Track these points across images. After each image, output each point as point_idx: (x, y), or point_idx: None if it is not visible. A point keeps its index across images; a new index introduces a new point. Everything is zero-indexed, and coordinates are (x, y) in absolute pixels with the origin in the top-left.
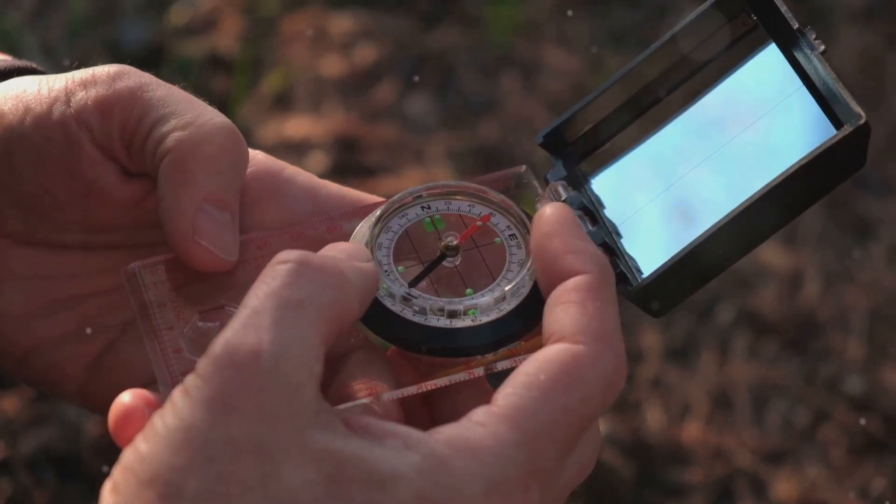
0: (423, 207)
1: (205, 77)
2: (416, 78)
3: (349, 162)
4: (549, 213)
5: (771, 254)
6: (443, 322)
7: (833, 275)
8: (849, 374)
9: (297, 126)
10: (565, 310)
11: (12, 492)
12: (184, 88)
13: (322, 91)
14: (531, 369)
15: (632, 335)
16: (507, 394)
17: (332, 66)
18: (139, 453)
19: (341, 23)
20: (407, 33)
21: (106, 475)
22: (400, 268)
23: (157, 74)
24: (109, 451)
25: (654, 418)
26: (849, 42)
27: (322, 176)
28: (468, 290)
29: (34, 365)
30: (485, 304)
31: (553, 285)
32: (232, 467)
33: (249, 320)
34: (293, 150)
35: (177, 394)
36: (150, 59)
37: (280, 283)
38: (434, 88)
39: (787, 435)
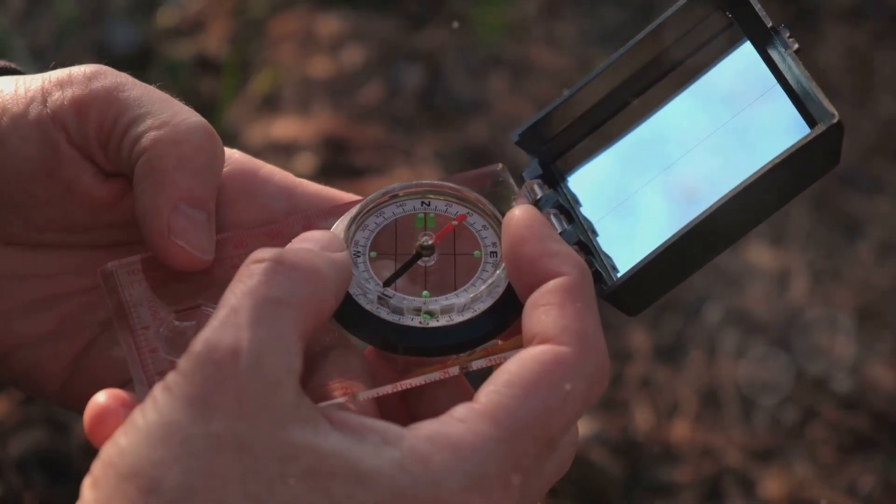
0: (399, 206)
1: (193, 79)
2: (404, 78)
3: (337, 163)
4: (518, 216)
5: (758, 252)
6: (418, 321)
7: (821, 273)
8: (837, 372)
9: (286, 127)
10: (546, 312)
11: (2, 494)
12: (169, 91)
13: (310, 92)
14: (513, 368)
15: (620, 335)
16: (488, 391)
17: (320, 67)
18: (119, 447)
19: (328, 24)
20: (394, 34)
21: None
22: (373, 253)
23: (146, 76)
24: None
25: (642, 417)
26: (836, 40)
27: (310, 177)
28: (424, 293)
29: (14, 364)
30: (461, 304)
31: (531, 288)
32: (212, 462)
33: (228, 318)
34: (281, 152)
35: (158, 390)
36: (139, 62)
37: (257, 281)
38: (422, 89)
39: (775, 433)
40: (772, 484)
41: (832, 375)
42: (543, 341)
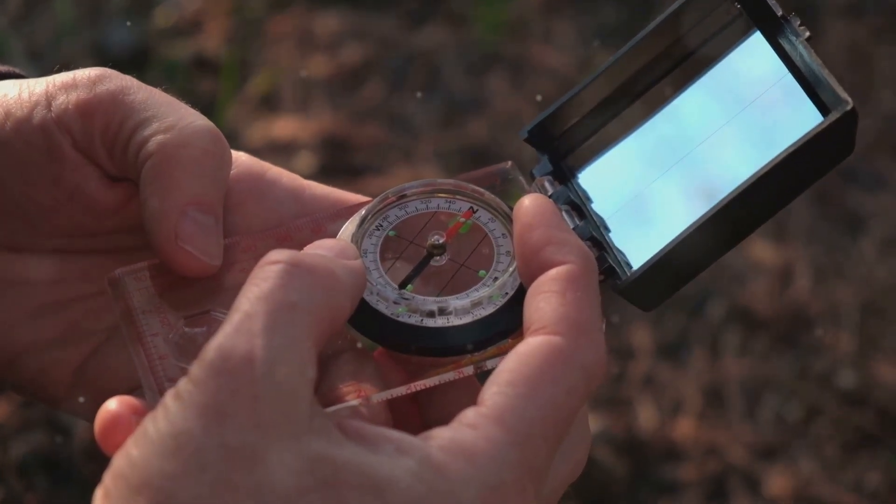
0: (403, 208)
1: (191, 79)
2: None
3: (337, 162)
4: (528, 204)
5: (761, 249)
6: (431, 321)
7: (824, 269)
8: (841, 368)
9: (285, 127)
10: (545, 299)
11: (3, 497)
12: (168, 91)
13: (309, 91)
14: (513, 365)
15: (623, 333)
16: (493, 393)
17: (319, 66)
18: (130, 459)
19: (327, 23)
20: (393, 33)
21: (97, 479)
22: (392, 232)
23: (144, 77)
24: (100, 456)
25: (646, 416)
26: (836, 36)
27: (310, 176)
28: (408, 286)
29: (20, 371)
30: (473, 302)
31: (534, 277)
32: (225, 474)
33: (241, 324)
34: (281, 151)
35: (169, 399)
36: (137, 62)
37: (271, 284)
38: (421, 88)
39: (779, 430)
40: (777, 481)
41: (836, 372)
42: (539, 329)
